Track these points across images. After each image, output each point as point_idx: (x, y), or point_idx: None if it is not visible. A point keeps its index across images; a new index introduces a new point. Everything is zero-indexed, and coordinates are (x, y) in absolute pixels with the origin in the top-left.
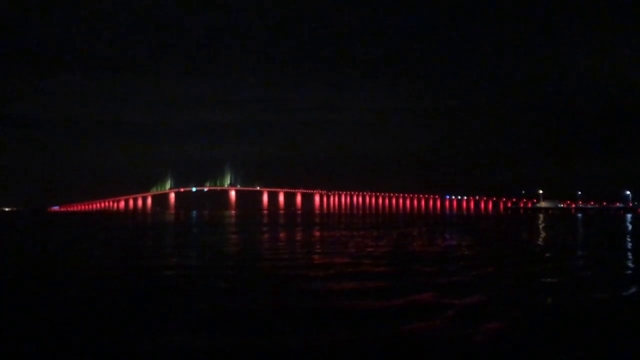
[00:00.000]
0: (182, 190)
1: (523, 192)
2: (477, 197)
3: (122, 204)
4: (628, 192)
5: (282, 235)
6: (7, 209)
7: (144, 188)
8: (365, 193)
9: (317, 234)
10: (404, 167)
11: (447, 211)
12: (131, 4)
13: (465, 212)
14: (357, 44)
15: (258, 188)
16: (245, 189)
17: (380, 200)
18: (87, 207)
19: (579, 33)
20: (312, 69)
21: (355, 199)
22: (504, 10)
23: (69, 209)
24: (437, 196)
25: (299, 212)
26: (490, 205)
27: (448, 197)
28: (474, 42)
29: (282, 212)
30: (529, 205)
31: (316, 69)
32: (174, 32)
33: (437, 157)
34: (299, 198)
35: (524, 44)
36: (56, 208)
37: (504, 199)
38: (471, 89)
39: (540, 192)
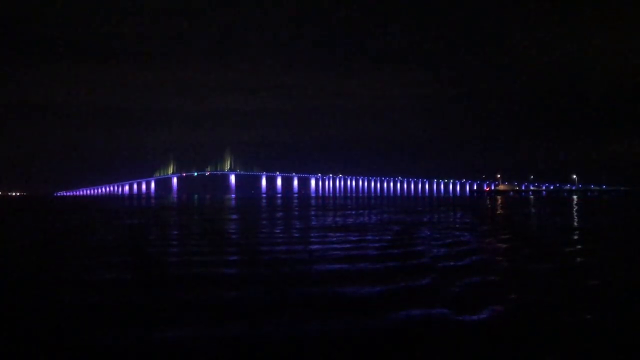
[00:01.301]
0: (184, 174)
1: (517, 184)
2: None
3: (126, 188)
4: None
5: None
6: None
7: (147, 173)
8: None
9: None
10: (399, 151)
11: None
12: None
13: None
14: (365, 33)
15: (277, 173)
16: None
17: (365, 183)
18: (92, 191)
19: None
20: (322, 58)
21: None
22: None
23: (75, 193)
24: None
25: (299, 194)
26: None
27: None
28: (476, 31)
29: (279, 195)
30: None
31: (326, 58)
32: (189, 22)
33: (438, 141)
34: (295, 182)
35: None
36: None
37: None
38: (474, 77)
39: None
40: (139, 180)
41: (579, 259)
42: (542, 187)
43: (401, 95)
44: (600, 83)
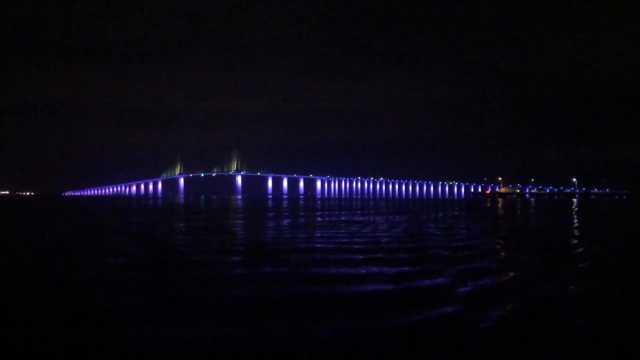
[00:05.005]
0: (191, 175)
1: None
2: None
3: (133, 188)
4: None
5: None
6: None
7: (155, 174)
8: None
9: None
10: (404, 154)
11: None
12: None
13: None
14: (373, 36)
15: (288, 175)
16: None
17: (370, 185)
18: (100, 192)
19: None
20: (330, 61)
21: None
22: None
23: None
24: (454, 182)
25: (305, 196)
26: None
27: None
28: (481, 35)
29: (285, 196)
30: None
31: (333, 61)
32: (198, 24)
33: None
34: (302, 183)
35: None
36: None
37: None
38: (477, 81)
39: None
40: (146, 181)
41: None
42: (545, 190)
43: (406, 98)
44: (604, 86)
